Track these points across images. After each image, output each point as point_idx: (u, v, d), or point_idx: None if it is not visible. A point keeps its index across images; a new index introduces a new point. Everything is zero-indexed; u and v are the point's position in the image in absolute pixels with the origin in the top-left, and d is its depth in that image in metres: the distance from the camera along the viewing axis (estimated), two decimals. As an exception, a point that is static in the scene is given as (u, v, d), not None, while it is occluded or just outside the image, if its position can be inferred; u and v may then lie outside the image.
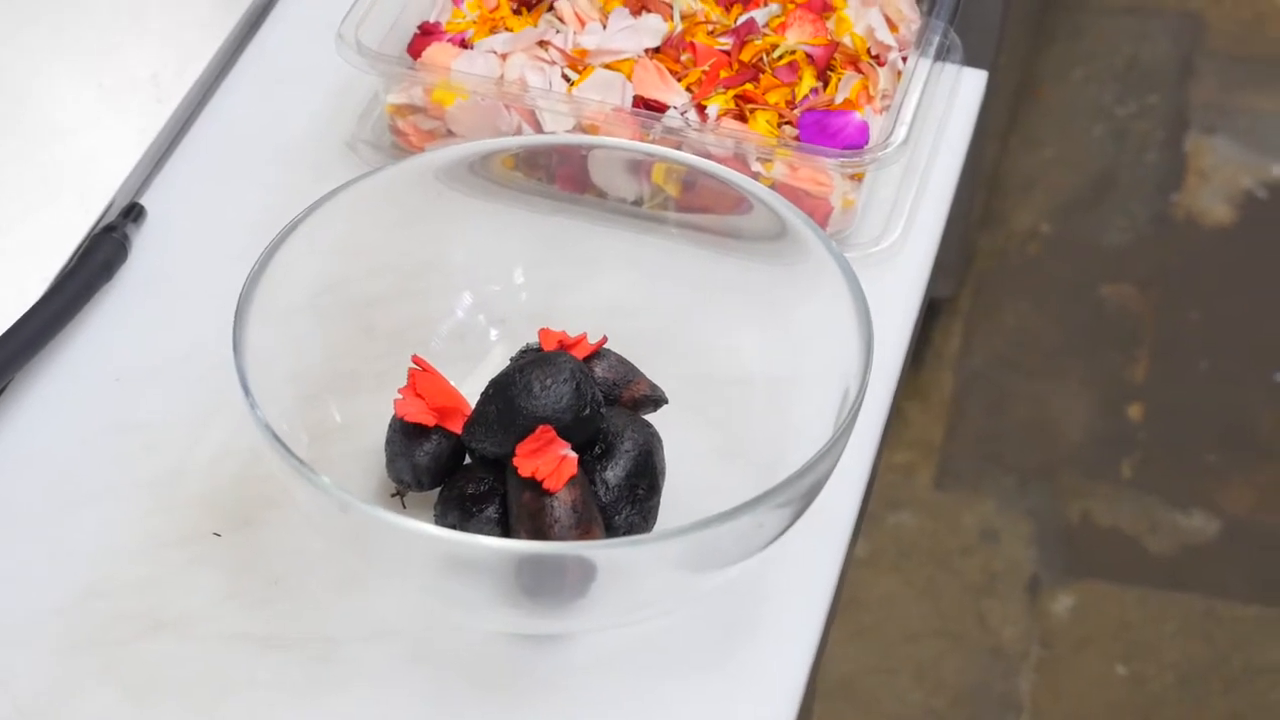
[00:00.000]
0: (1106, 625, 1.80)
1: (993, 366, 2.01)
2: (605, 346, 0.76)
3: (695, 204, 0.82)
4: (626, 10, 0.91)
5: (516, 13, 0.92)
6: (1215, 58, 2.35)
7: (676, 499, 0.74)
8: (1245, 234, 2.15)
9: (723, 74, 0.88)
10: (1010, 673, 1.77)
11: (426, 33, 0.91)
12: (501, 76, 0.89)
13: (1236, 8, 2.41)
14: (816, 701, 1.31)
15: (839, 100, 0.88)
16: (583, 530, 0.69)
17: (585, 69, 0.89)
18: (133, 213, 0.87)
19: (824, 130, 0.86)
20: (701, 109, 0.87)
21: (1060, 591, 1.82)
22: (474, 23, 0.92)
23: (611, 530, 0.71)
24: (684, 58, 0.89)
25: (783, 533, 0.70)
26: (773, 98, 0.88)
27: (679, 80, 0.88)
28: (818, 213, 0.87)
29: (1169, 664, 1.77)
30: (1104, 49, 2.34)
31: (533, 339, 0.77)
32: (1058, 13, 2.36)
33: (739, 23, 0.91)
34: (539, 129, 0.88)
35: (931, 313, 2.02)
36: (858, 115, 0.87)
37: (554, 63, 0.89)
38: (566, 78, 0.89)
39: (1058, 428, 1.96)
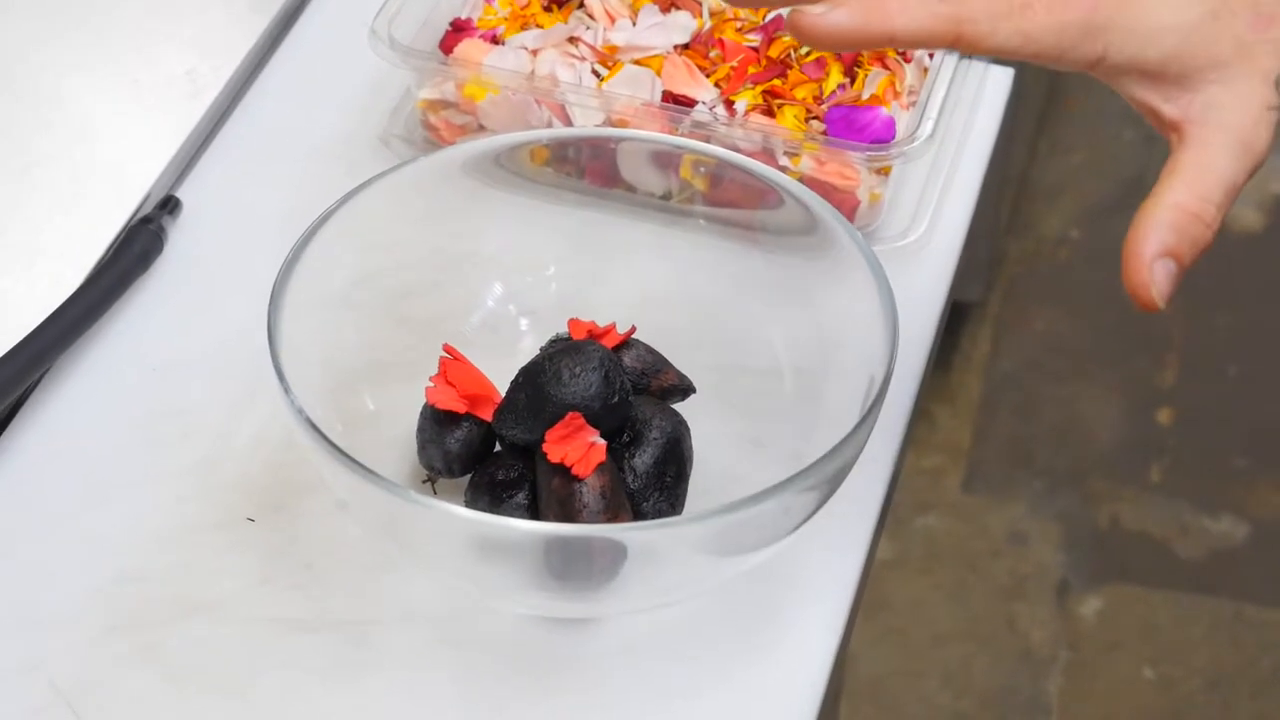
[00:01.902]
0: (1135, 629, 1.80)
1: (1022, 370, 2.02)
2: (634, 337, 0.77)
3: (723, 198, 0.83)
4: (656, 7, 0.92)
5: (547, 9, 0.93)
6: (1245, 64, 2.35)
7: (704, 486, 0.75)
8: (1275, 240, 2.16)
9: (751, 70, 0.89)
10: (1038, 676, 1.77)
11: (458, 29, 0.92)
12: (532, 72, 0.90)
13: (1267, 14, 2.41)
14: (843, 702, 1.32)
15: (866, 96, 0.89)
16: (611, 515, 0.70)
17: (615, 65, 0.90)
18: (169, 205, 0.88)
19: (851, 125, 0.87)
20: (730, 104, 0.88)
21: (1089, 595, 1.83)
22: (505, 19, 0.93)
23: (640, 516, 0.72)
24: (713, 54, 0.90)
25: (809, 518, 0.71)
26: (800, 93, 0.88)
27: (708, 76, 0.89)
28: (844, 207, 0.87)
29: (1197, 668, 1.77)
30: (1134, 55, 2.34)
31: (562, 329, 0.78)
32: (1087, 19, 2.36)
33: (767, 20, 0.92)
34: (569, 124, 0.89)
35: (960, 317, 2.02)
36: (884, 110, 0.88)
37: (584, 59, 0.90)
38: (596, 73, 0.90)
39: (1087, 432, 1.97)
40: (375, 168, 0.80)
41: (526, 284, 0.82)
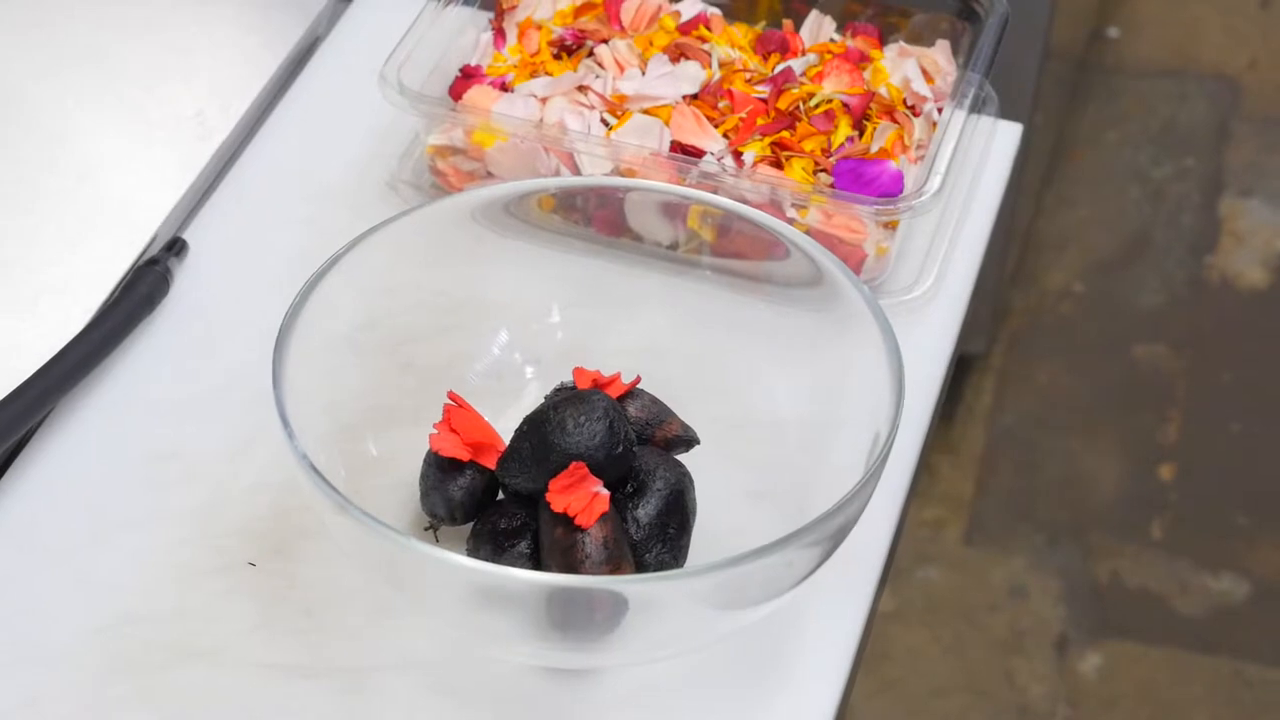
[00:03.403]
0: (1134, 686, 1.79)
1: (1024, 424, 2.01)
2: (639, 386, 0.77)
3: (730, 249, 0.83)
4: (666, 57, 0.92)
5: (557, 58, 0.93)
6: (1251, 122, 2.36)
7: (707, 539, 0.74)
8: (1279, 296, 2.15)
9: (759, 121, 0.89)
10: (1037, 731, 1.76)
11: (468, 76, 0.93)
12: (541, 120, 0.90)
13: (1273, 72, 2.42)
14: (842, 753, 1.31)
15: (874, 149, 0.89)
16: (613, 566, 0.70)
17: (624, 114, 0.90)
18: (175, 247, 0.88)
19: (859, 178, 0.87)
20: (738, 155, 0.88)
21: (1088, 650, 1.82)
22: (515, 67, 0.93)
23: (642, 567, 0.72)
24: (721, 104, 0.90)
25: (811, 573, 0.71)
26: (809, 145, 0.88)
27: (716, 127, 0.89)
28: (851, 260, 0.87)
29: (1196, 726, 1.77)
30: (1140, 111, 2.35)
31: (567, 378, 0.77)
32: (1094, 74, 2.37)
33: (776, 71, 0.92)
34: (577, 172, 0.89)
35: (964, 369, 2.02)
36: (893, 164, 0.88)
37: (593, 107, 0.90)
38: (605, 122, 0.90)
39: (1088, 486, 1.96)
40: (382, 212, 0.80)
41: (532, 332, 0.82)
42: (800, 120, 0.90)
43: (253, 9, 1.01)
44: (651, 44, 0.93)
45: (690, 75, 0.91)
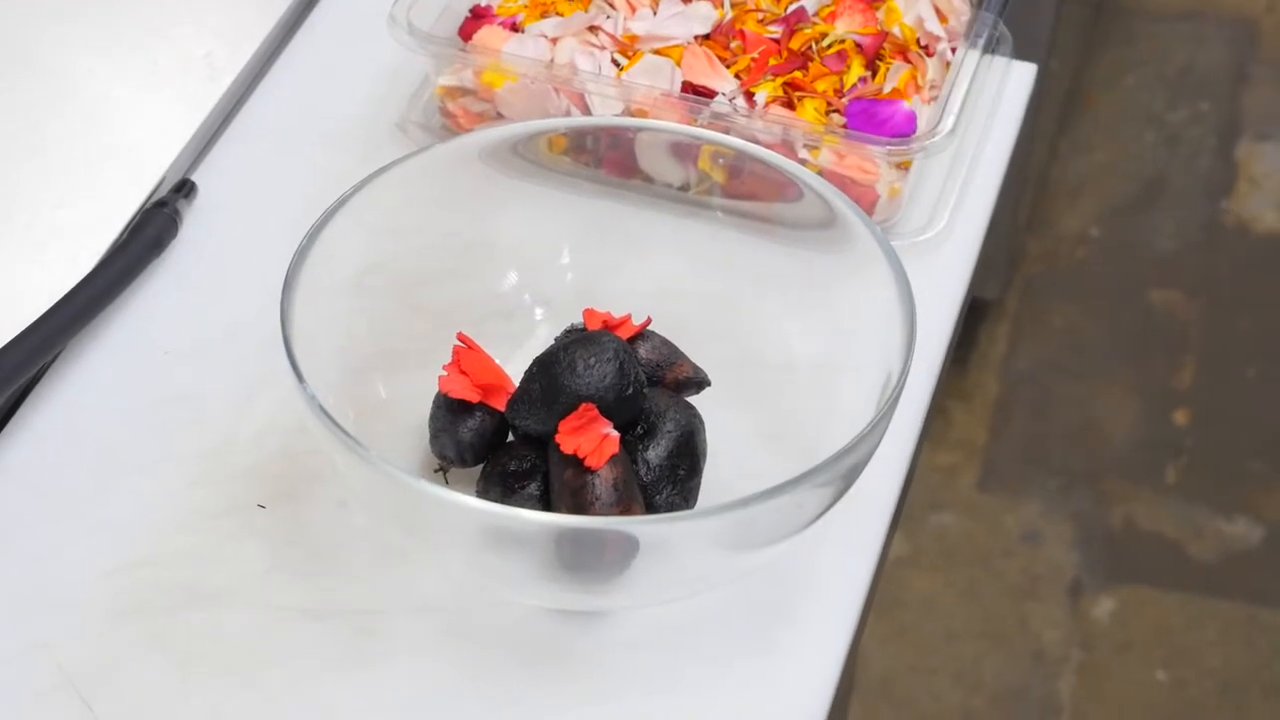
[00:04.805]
0: (1148, 630, 1.79)
1: (1039, 369, 2.01)
2: (650, 328, 0.76)
3: (741, 190, 0.82)
4: (677, -3, 0.92)
5: (568, -2, 0.93)
6: (1269, 65, 2.34)
7: (717, 481, 0.74)
8: (1295, 241, 2.15)
9: (771, 61, 0.89)
10: (1050, 676, 1.76)
11: (478, 16, 0.92)
12: (552, 60, 0.89)
13: (1291, 16, 2.40)
14: (854, 699, 1.31)
15: (887, 89, 0.88)
16: (623, 508, 0.70)
17: (635, 54, 0.89)
18: (184, 189, 0.88)
19: (872, 119, 0.86)
20: (750, 96, 0.88)
21: (1102, 595, 1.82)
22: (525, 7, 0.92)
23: (652, 509, 0.72)
24: (733, 45, 0.90)
25: (821, 515, 0.70)
26: (821, 86, 0.88)
27: (728, 67, 0.89)
28: (863, 201, 0.87)
29: (1209, 670, 1.77)
30: (1156, 55, 2.33)
31: (578, 319, 0.77)
32: (1110, 18, 2.35)
33: (789, 11, 0.91)
34: (588, 113, 0.89)
35: (978, 315, 2.01)
36: (905, 104, 0.87)
37: (604, 48, 0.90)
38: (616, 63, 0.89)
39: (1103, 432, 1.96)
40: (392, 154, 0.80)
41: (542, 273, 0.81)
42: (813, 60, 0.89)
43: (261, -50, 1.00)
44: (663, -16, 0.92)
45: (702, 15, 0.91)
